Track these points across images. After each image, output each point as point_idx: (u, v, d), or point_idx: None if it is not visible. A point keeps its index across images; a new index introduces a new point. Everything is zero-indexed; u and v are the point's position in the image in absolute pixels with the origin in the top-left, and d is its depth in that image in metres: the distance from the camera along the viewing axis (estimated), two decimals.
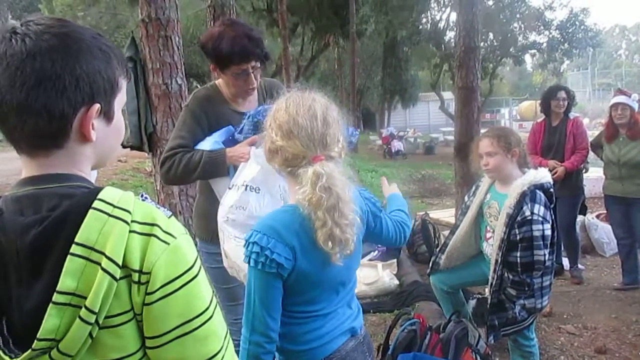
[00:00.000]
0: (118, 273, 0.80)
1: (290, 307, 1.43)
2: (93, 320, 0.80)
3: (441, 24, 19.33)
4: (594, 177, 6.92)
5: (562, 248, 4.81)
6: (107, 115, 0.92)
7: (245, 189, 1.92)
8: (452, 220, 6.35)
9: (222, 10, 7.36)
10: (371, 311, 4.08)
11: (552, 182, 2.75)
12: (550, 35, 17.97)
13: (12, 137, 0.88)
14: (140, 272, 0.82)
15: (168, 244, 0.84)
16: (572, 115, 4.78)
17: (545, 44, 18.33)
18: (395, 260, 4.98)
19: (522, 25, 18.01)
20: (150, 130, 5.13)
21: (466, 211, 3.07)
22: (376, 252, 5.05)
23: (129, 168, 9.73)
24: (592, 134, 7.18)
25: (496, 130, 2.94)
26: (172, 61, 5.18)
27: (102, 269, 0.79)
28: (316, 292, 1.45)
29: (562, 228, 4.47)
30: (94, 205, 0.82)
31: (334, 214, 1.33)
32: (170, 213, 0.90)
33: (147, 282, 0.83)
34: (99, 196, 0.83)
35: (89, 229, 0.81)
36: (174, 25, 5.21)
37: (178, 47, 5.26)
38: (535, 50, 19.37)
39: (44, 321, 0.79)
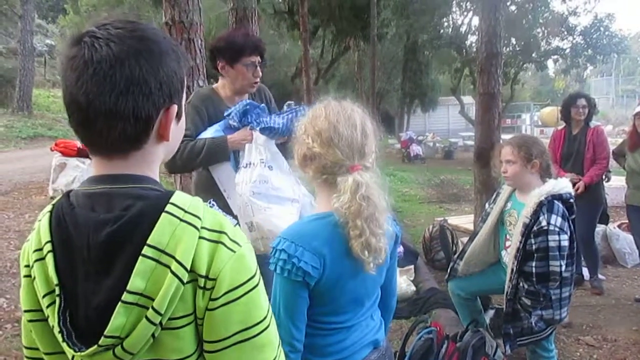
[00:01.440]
0: (186, 277, 0.83)
1: (315, 317, 1.41)
2: (158, 322, 0.82)
3: (463, 28, 19.20)
4: (616, 186, 6.80)
5: (582, 258, 4.75)
6: (178, 114, 0.94)
7: (263, 165, 2.15)
8: (471, 227, 6.30)
9: (244, 12, 7.42)
10: None
11: (572, 193, 2.72)
12: (574, 41, 17.72)
13: (93, 141, 0.89)
14: (207, 277, 0.84)
15: (234, 252, 0.87)
16: (593, 124, 4.70)
17: (568, 50, 18.08)
18: (412, 266, 4.95)
19: (545, 31, 17.79)
20: None
21: (486, 218, 3.06)
22: None
23: None
24: (615, 141, 7.08)
25: (519, 139, 2.92)
26: (195, 64, 5.22)
27: (172, 272, 0.82)
28: (342, 303, 1.44)
29: (580, 237, 4.41)
30: (166, 208, 0.84)
31: (370, 223, 1.33)
32: (236, 222, 0.93)
33: (212, 287, 0.85)
34: (172, 200, 0.86)
35: (161, 232, 0.83)
36: (197, 28, 5.26)
37: (200, 50, 5.31)
38: (557, 56, 19.11)
39: (112, 318, 0.81)
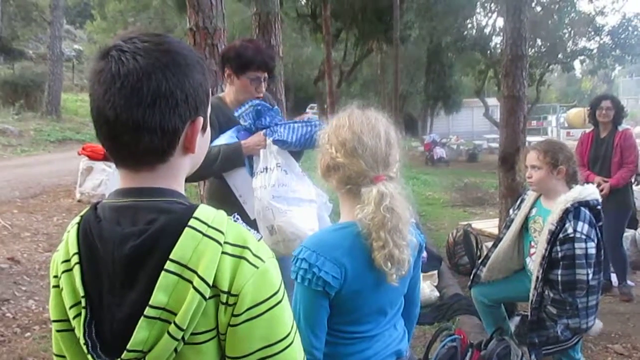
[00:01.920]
0: (208, 292, 0.82)
1: (336, 326, 1.41)
2: (180, 337, 0.83)
3: (487, 30, 19.00)
4: None
5: (610, 263, 4.65)
6: (204, 126, 0.95)
7: (280, 169, 2.20)
8: (496, 231, 6.22)
9: (267, 17, 7.46)
10: None
11: (599, 200, 2.66)
12: (601, 41, 17.39)
13: (120, 154, 0.90)
14: (229, 293, 0.84)
15: (257, 267, 0.86)
16: (621, 127, 4.61)
17: (595, 50, 17.76)
18: (436, 271, 4.91)
19: (572, 31, 17.50)
20: None
21: (510, 224, 3.02)
22: None
23: None
24: None
25: (545, 145, 2.87)
26: (218, 69, 5.28)
27: (194, 287, 0.82)
28: (364, 312, 1.43)
29: (608, 242, 4.31)
30: (190, 223, 0.84)
31: (394, 234, 1.33)
32: (260, 236, 0.93)
33: (235, 303, 0.85)
34: (195, 214, 0.86)
35: (184, 246, 0.83)
36: (220, 34, 5.30)
37: None
38: (585, 57, 18.77)
39: (135, 333, 0.82)
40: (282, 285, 0.90)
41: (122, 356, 0.83)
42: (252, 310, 0.85)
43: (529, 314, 2.71)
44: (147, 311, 0.82)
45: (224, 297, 0.84)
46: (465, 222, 6.54)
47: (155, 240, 0.84)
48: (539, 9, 16.68)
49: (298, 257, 1.36)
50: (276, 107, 2.49)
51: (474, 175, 13.59)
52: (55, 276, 0.93)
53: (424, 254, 4.69)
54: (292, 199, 2.21)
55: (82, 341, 0.87)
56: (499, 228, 5.76)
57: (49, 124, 15.67)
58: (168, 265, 0.82)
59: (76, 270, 0.88)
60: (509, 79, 5.46)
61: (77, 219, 0.93)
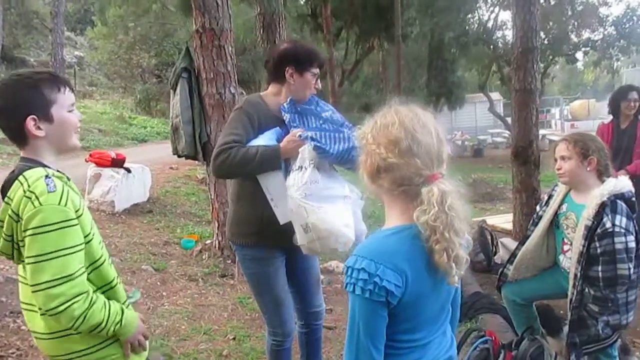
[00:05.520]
0: (15, 218, 1.53)
1: (392, 335, 1.33)
2: (10, 240, 1.58)
3: (489, 24, 18.91)
4: None
5: None
6: (46, 118, 1.58)
7: (313, 166, 2.23)
8: (509, 227, 6.15)
9: (272, 17, 7.39)
10: None
11: (633, 191, 2.58)
12: (605, 32, 17.30)
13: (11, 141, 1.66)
14: (20, 219, 1.51)
15: (35, 207, 1.47)
16: None
17: (599, 41, 17.66)
18: None
19: (576, 23, 17.40)
20: (205, 140, 5.16)
21: (538, 221, 2.93)
22: None
23: (181, 175, 9.86)
24: None
25: (575, 135, 2.79)
26: (226, 70, 5.21)
27: (9, 213, 1.55)
28: (420, 319, 1.36)
29: None
30: (19, 177, 1.55)
31: (457, 233, 1.27)
32: (55, 190, 1.50)
33: (21, 225, 1.51)
34: (24, 173, 1.54)
35: (12, 189, 1.56)
36: (227, 34, 5.24)
37: (231, 57, 5.29)
38: (589, 48, 18.67)
39: None
40: (60, 222, 1.49)
41: None
42: (27, 232, 1.48)
43: (569, 313, 2.61)
44: None
45: (18, 221, 1.52)
46: (479, 219, 6.44)
47: (7, 182, 1.59)
48: (542, 0, 16.59)
49: (354, 267, 1.28)
50: (320, 108, 2.50)
51: (482, 171, 13.48)
52: None
53: None
54: (325, 196, 2.21)
55: None
56: (514, 223, 5.69)
57: None
58: (6, 198, 1.58)
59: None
60: (519, 72, 5.38)
61: None
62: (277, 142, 2.34)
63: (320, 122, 2.43)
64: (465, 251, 1.31)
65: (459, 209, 1.28)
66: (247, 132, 2.34)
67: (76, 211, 1.54)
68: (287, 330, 2.54)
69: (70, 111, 1.64)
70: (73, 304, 1.48)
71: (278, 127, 2.40)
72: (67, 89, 1.63)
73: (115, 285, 1.70)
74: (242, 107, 2.41)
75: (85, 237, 1.57)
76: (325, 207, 2.19)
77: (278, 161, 2.30)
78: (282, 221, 2.31)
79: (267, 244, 2.42)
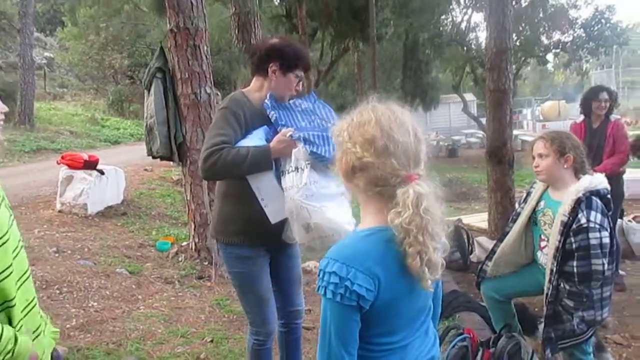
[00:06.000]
0: None
1: (368, 339, 1.30)
2: None
3: (462, 26, 19.15)
4: (629, 178, 6.71)
5: None
6: None
7: (309, 167, 2.22)
8: (484, 226, 6.23)
9: (247, 17, 7.35)
10: None
11: (608, 189, 2.63)
12: (575, 34, 17.68)
13: None
14: None
15: None
16: (613, 117, 4.65)
17: (569, 43, 18.04)
18: None
19: (547, 25, 17.75)
20: (180, 140, 5.11)
21: (516, 218, 2.97)
22: None
23: (156, 177, 9.74)
24: None
25: (552, 133, 2.85)
26: (201, 70, 5.15)
27: None
28: (397, 322, 1.33)
29: None
30: None
31: (432, 237, 1.23)
32: None
33: None
34: None
35: None
36: (202, 34, 5.18)
37: (206, 56, 5.23)
38: (559, 50, 19.07)
39: None
40: None
41: None
42: None
43: (544, 308, 2.65)
44: None
45: None
46: (456, 218, 6.50)
47: None
48: (514, 2, 16.87)
49: (325, 270, 1.24)
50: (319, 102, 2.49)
51: (456, 171, 13.66)
52: None
53: None
54: (325, 195, 2.22)
55: None
56: (489, 222, 5.76)
57: (22, 134, 15.25)
58: None
59: None
60: (494, 72, 5.45)
61: None
62: (266, 141, 2.31)
63: (309, 118, 2.40)
64: (441, 255, 1.28)
65: (435, 212, 1.24)
66: (235, 132, 2.31)
67: None
68: (270, 330, 2.53)
69: None
70: None
71: (266, 126, 2.37)
72: None
73: (33, 307, 1.43)
74: (228, 106, 2.37)
75: None
76: (326, 207, 2.19)
77: (270, 162, 2.28)
78: (273, 220, 2.29)
79: (252, 243, 2.40)
